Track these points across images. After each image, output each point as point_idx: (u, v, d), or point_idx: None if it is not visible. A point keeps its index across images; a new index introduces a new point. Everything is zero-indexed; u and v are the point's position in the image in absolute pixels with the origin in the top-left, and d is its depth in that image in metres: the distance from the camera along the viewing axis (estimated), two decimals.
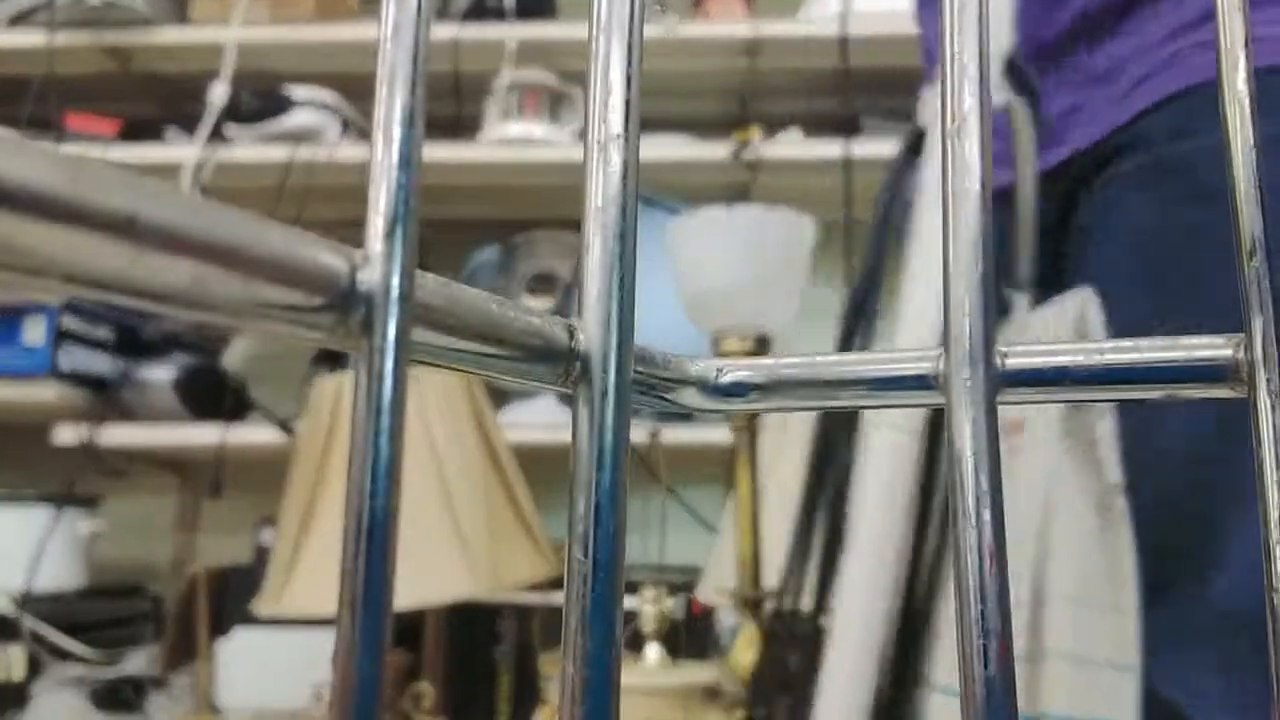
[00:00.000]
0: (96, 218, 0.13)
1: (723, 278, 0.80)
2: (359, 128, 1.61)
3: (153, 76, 1.72)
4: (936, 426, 0.57)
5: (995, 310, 0.17)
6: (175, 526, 1.78)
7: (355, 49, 1.59)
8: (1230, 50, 0.17)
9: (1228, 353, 0.17)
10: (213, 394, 1.51)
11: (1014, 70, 0.61)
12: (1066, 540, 0.53)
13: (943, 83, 0.17)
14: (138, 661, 1.45)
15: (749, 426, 0.83)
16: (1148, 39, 0.66)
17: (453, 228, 1.77)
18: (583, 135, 0.17)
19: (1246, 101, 0.18)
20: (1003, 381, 0.17)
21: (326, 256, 0.15)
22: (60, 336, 1.44)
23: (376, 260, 0.16)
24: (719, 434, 1.41)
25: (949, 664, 0.55)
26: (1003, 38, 0.59)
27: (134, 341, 1.56)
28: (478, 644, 1.35)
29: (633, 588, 0.96)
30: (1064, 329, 0.56)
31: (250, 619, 1.06)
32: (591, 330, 0.16)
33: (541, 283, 1.71)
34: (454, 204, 1.72)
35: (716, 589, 0.83)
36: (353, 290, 0.15)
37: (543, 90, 1.60)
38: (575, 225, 0.17)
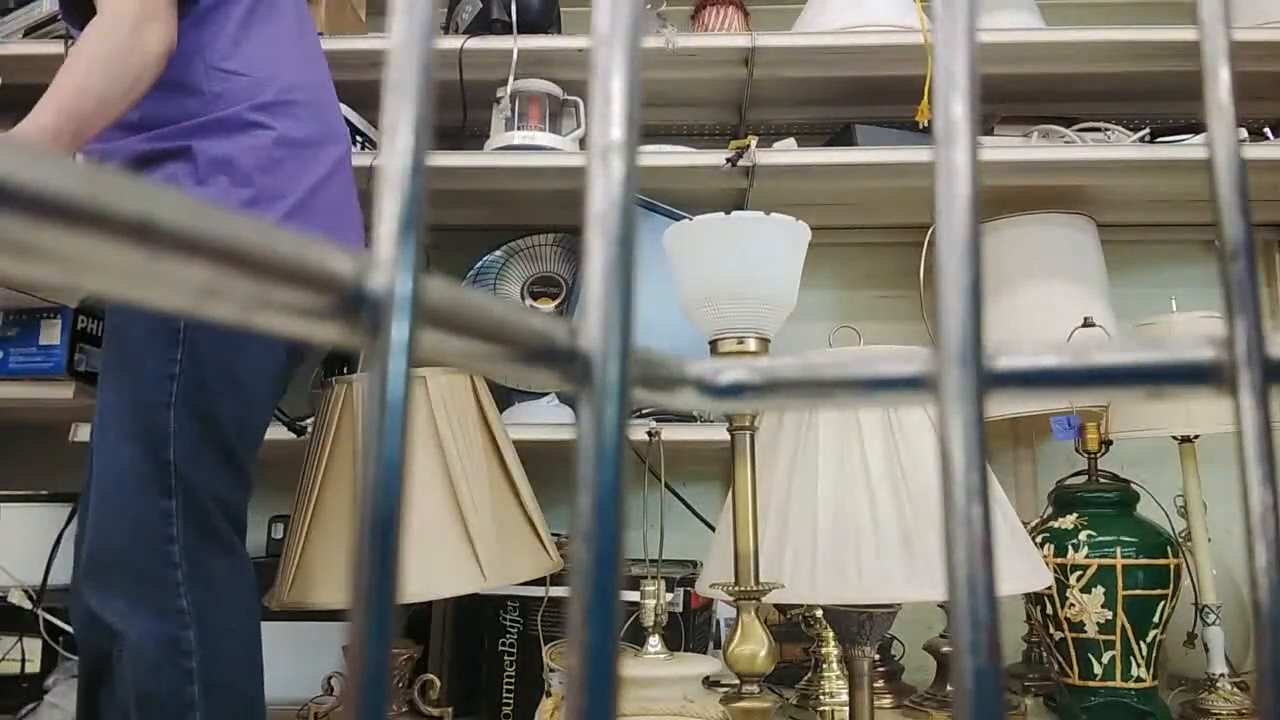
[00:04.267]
0: (113, 223, 0.13)
1: (720, 281, 0.81)
2: (367, 137, 1.62)
3: None
4: None
5: (985, 312, 0.17)
6: None
7: (364, 60, 1.60)
8: (1211, 61, 0.18)
9: (1210, 354, 0.18)
10: None
11: None
12: None
13: (933, 93, 0.17)
14: None
15: (747, 425, 0.83)
16: None
17: (458, 232, 1.78)
18: (584, 143, 0.18)
19: (1228, 111, 0.19)
20: (992, 382, 0.17)
21: (335, 260, 0.16)
22: (76, 338, 1.46)
23: (384, 264, 0.16)
24: (718, 433, 1.42)
25: None
26: None
27: None
28: (483, 636, 1.36)
29: (634, 582, 0.97)
30: None
31: (263, 612, 1.09)
32: (593, 332, 0.17)
33: (544, 286, 1.72)
34: (459, 209, 1.73)
35: (715, 583, 0.84)
36: (361, 293, 0.16)
37: (545, 99, 1.61)
38: (577, 230, 0.17)
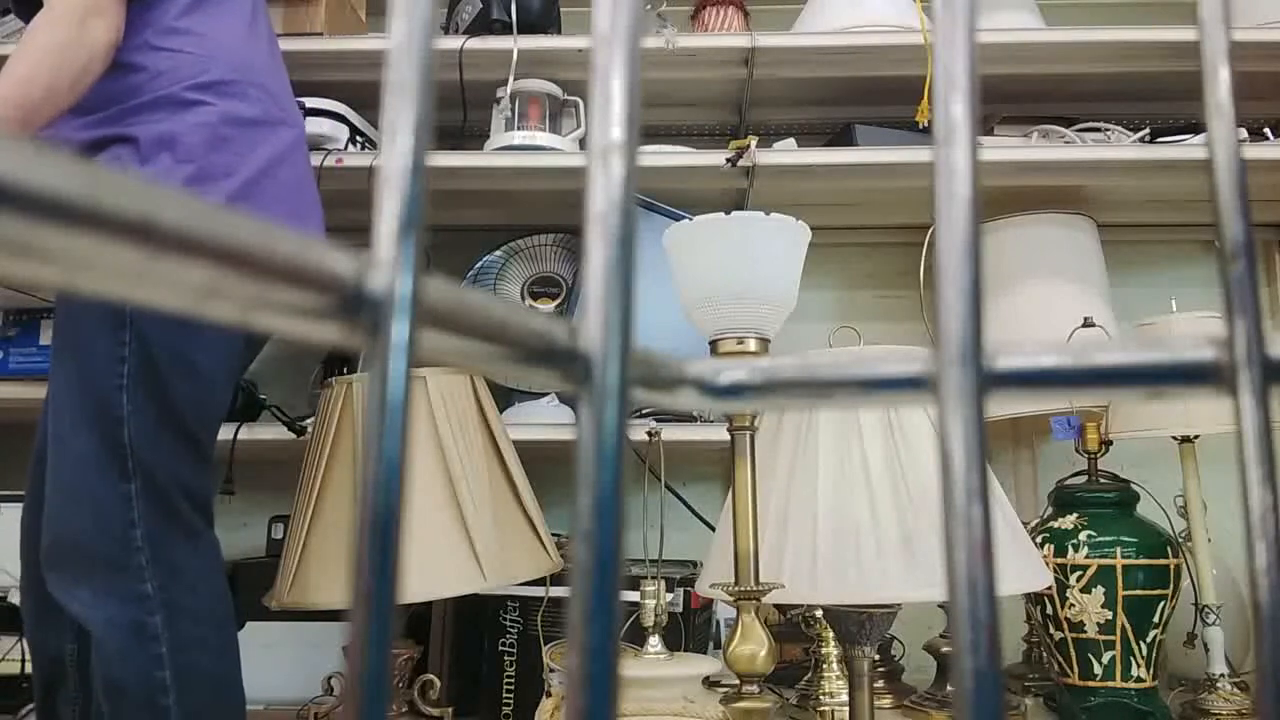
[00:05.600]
0: (113, 223, 0.13)
1: (720, 281, 0.81)
2: (367, 137, 1.62)
3: None
4: None
5: (985, 312, 0.17)
6: None
7: (364, 60, 1.60)
8: (1211, 61, 0.18)
9: (1210, 354, 0.18)
10: None
11: None
12: None
13: (933, 93, 0.17)
14: None
15: (747, 425, 0.83)
16: None
17: (458, 232, 1.78)
18: (584, 143, 0.18)
19: (1228, 111, 0.19)
20: (992, 382, 0.17)
21: (336, 261, 0.16)
22: None
23: (385, 265, 0.16)
24: (718, 433, 1.42)
25: None
26: None
27: None
28: (483, 636, 1.36)
29: (634, 582, 0.97)
30: None
31: (263, 612, 1.08)
32: (593, 332, 0.17)
33: (544, 286, 1.72)
34: (459, 209, 1.73)
35: (715, 583, 0.84)
36: (361, 293, 0.16)
37: (545, 99, 1.61)
38: (577, 230, 0.17)
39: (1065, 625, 1.30)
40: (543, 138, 1.58)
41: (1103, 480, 1.37)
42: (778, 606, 1.35)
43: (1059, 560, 1.30)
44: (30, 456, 1.12)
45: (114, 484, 0.98)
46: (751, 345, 0.81)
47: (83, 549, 0.97)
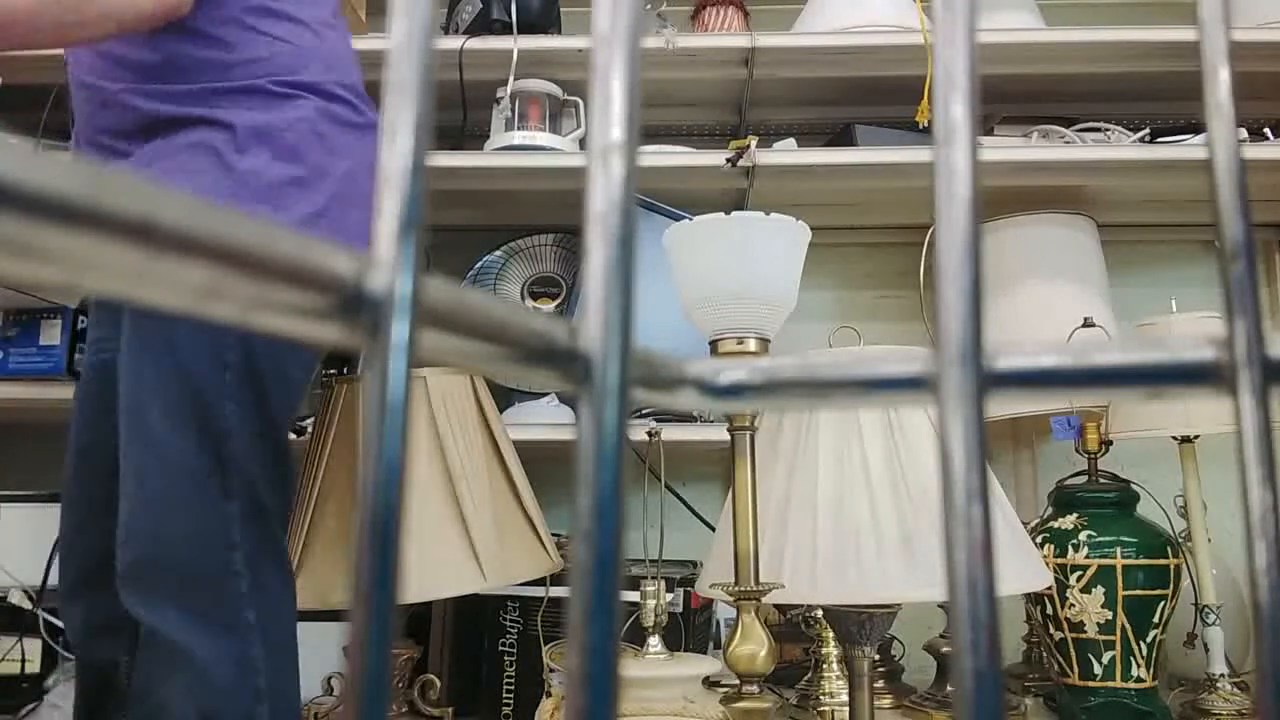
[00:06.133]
0: (113, 223, 0.13)
1: (720, 281, 0.81)
2: None
3: None
4: None
5: (985, 312, 0.17)
6: None
7: (364, 60, 1.59)
8: (1211, 61, 0.18)
9: (1210, 354, 0.18)
10: None
11: None
12: None
13: (933, 94, 0.17)
14: None
15: (747, 425, 0.83)
16: None
17: (458, 232, 1.78)
18: (584, 143, 0.18)
19: (1228, 111, 0.19)
20: (992, 382, 0.17)
21: (336, 260, 0.16)
22: (76, 338, 1.46)
23: (384, 265, 0.16)
24: (718, 433, 1.42)
25: None
26: None
27: None
28: (483, 636, 1.36)
29: (634, 582, 0.97)
30: None
31: None
32: (593, 332, 0.17)
33: (544, 286, 1.72)
34: (459, 209, 1.73)
35: (715, 583, 0.84)
36: (361, 293, 0.16)
37: (545, 100, 1.61)
38: (577, 230, 0.17)
39: (1065, 625, 1.30)
40: (543, 138, 1.58)
41: (1103, 480, 1.36)
42: (778, 606, 1.35)
43: (1059, 560, 1.30)
44: (69, 456, 1.03)
45: (214, 501, 0.89)
46: (751, 345, 0.82)
47: (176, 567, 0.88)
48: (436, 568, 1.02)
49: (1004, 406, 1.47)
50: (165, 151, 0.95)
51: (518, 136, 1.57)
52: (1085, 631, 1.28)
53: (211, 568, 0.88)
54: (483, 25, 1.60)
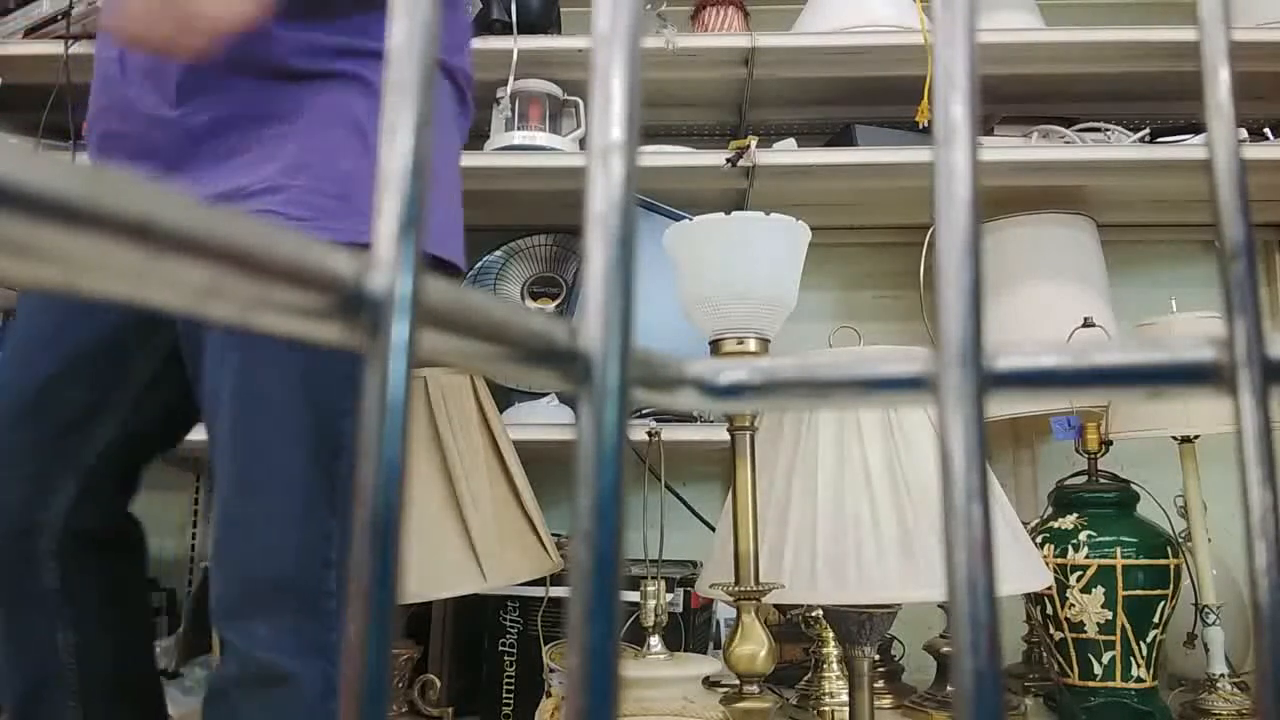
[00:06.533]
0: (113, 223, 0.13)
1: (720, 281, 0.81)
2: None
3: None
4: None
5: (985, 313, 0.17)
6: (190, 521, 1.82)
7: None
8: (1211, 61, 0.18)
9: (1210, 354, 0.18)
10: None
11: None
12: None
13: (933, 94, 0.17)
14: None
15: (747, 425, 0.83)
16: None
17: None
18: (584, 143, 0.18)
19: (1228, 111, 0.19)
20: (992, 382, 0.17)
21: (335, 261, 0.16)
22: None
23: (384, 265, 0.16)
24: (718, 433, 1.42)
25: None
26: None
27: None
28: (483, 636, 1.36)
29: (634, 582, 0.97)
30: None
31: None
32: (593, 332, 0.17)
33: (544, 286, 1.72)
34: None
35: (715, 583, 0.84)
36: (361, 293, 0.16)
37: (545, 100, 1.61)
38: (577, 230, 0.17)
39: (1065, 625, 1.30)
40: (543, 138, 1.58)
41: (1103, 480, 1.37)
42: (778, 606, 1.35)
43: (1059, 560, 1.30)
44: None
45: (320, 518, 0.85)
46: (751, 345, 0.82)
47: (285, 587, 0.84)
48: (436, 568, 1.02)
49: (1004, 406, 1.47)
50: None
51: (518, 136, 1.57)
52: (1085, 631, 1.28)
53: (309, 587, 0.85)
54: (483, 25, 1.60)
